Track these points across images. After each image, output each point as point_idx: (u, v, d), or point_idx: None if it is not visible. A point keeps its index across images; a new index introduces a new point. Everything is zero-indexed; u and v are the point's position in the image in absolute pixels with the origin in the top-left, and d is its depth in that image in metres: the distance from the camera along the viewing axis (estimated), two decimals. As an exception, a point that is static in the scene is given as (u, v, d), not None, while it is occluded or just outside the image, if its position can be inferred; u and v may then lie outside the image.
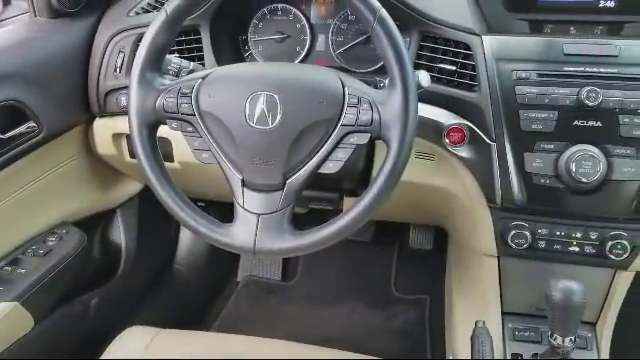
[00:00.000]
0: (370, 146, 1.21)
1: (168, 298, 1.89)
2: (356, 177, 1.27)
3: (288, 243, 0.96)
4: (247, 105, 0.94)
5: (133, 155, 1.01)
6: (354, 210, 0.94)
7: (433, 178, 1.21)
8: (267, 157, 0.95)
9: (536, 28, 1.20)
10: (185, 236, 2.00)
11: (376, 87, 1.00)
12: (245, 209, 0.98)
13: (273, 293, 2.07)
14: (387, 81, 0.94)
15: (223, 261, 2.12)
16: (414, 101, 0.91)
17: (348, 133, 0.94)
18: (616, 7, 1.15)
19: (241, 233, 0.97)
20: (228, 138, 0.97)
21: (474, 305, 1.28)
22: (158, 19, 0.97)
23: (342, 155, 0.96)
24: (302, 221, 1.00)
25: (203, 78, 0.99)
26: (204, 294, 2.04)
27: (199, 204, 1.07)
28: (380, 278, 2.04)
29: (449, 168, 1.17)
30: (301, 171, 0.96)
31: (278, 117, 0.94)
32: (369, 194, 0.93)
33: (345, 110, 0.93)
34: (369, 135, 0.94)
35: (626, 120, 1.01)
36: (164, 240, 1.95)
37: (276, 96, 0.93)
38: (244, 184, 0.98)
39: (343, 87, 0.95)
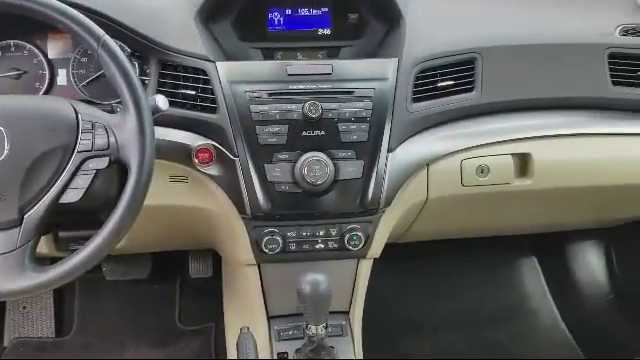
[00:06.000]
0: (122, 173, 1.21)
1: None
2: (112, 207, 1.26)
3: (31, 280, 0.93)
4: None
5: None
6: (99, 237, 0.94)
7: (189, 199, 1.25)
8: (-2, 192, 0.91)
9: (268, 55, 1.34)
10: None
11: (113, 112, 1.02)
12: (-23, 251, 0.91)
13: (47, 352, 1.90)
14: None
15: (-18, 326, 1.89)
16: (149, 122, 0.95)
17: (86, 159, 0.95)
18: (331, 34, 1.35)
19: None
20: (-51, 177, 0.90)
21: (243, 315, 1.35)
22: None
23: (83, 182, 0.95)
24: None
25: None
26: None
27: None
28: (163, 314, 2.00)
29: (202, 187, 1.22)
30: (39, 203, 0.94)
31: (5, 150, 0.91)
32: (114, 217, 0.94)
33: (80, 136, 0.94)
34: (108, 159, 0.95)
35: (344, 127, 1.17)
36: None
37: (1, 128, 0.90)
38: None
39: (76, 114, 0.95)
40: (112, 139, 0.94)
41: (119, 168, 1.10)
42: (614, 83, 1.37)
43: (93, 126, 0.94)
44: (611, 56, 1.37)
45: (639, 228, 1.78)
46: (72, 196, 0.95)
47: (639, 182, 1.43)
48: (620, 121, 1.39)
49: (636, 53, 1.40)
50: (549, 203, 1.47)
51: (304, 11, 1.34)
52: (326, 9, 1.33)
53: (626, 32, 1.42)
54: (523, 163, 1.33)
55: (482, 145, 1.29)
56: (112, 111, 1.04)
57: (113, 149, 0.94)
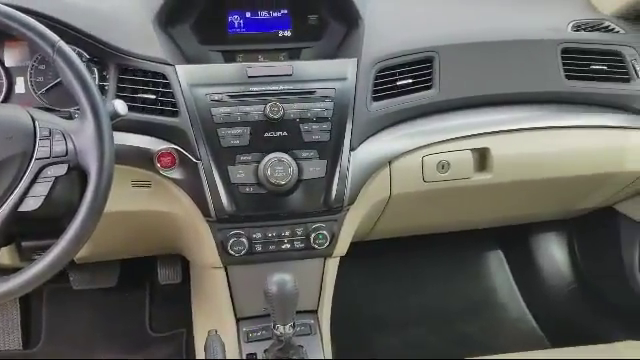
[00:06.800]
0: (83, 180, 1.20)
1: None
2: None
3: None
4: None
5: None
6: (59, 245, 0.93)
7: (153, 204, 1.24)
8: (-46, 202, 0.90)
9: (229, 58, 1.34)
10: None
11: (71, 118, 1.01)
12: None
13: (14, 364, 1.86)
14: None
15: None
16: (107, 127, 0.95)
17: (45, 166, 0.94)
18: (292, 36, 1.35)
19: None
20: None
21: (212, 318, 1.34)
22: None
23: (42, 189, 0.94)
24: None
25: None
26: None
27: None
28: (133, 322, 1.98)
29: (166, 191, 1.22)
30: None
31: None
32: (74, 224, 0.93)
33: (38, 143, 0.93)
34: (67, 165, 0.94)
35: (306, 127, 1.18)
36: None
37: None
38: None
39: (33, 121, 0.94)
40: (70, 145, 0.93)
41: (80, 175, 1.09)
42: (568, 77, 1.41)
43: (50, 133, 0.93)
44: (564, 51, 1.41)
45: (598, 218, 1.83)
46: (32, 204, 0.94)
47: (595, 173, 1.47)
48: (575, 114, 1.43)
49: (588, 48, 1.44)
50: (510, 196, 1.51)
51: (264, 13, 1.34)
52: (286, 11, 1.34)
53: (578, 27, 1.47)
54: (482, 158, 1.36)
55: (442, 141, 1.31)
56: (71, 117, 1.03)
57: (72, 155, 0.93)
